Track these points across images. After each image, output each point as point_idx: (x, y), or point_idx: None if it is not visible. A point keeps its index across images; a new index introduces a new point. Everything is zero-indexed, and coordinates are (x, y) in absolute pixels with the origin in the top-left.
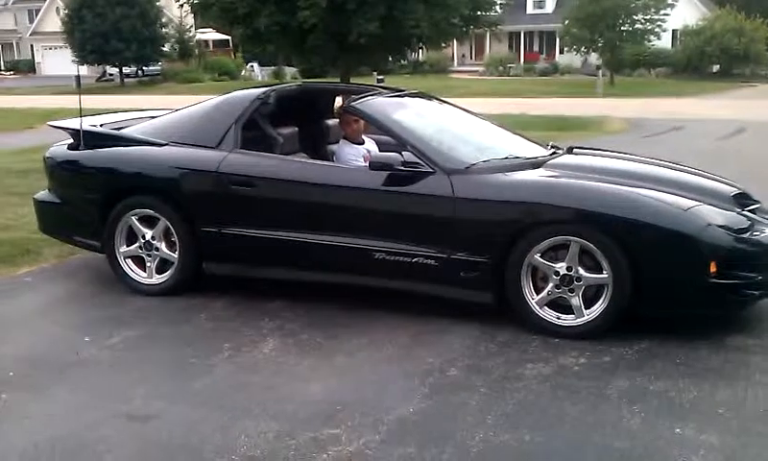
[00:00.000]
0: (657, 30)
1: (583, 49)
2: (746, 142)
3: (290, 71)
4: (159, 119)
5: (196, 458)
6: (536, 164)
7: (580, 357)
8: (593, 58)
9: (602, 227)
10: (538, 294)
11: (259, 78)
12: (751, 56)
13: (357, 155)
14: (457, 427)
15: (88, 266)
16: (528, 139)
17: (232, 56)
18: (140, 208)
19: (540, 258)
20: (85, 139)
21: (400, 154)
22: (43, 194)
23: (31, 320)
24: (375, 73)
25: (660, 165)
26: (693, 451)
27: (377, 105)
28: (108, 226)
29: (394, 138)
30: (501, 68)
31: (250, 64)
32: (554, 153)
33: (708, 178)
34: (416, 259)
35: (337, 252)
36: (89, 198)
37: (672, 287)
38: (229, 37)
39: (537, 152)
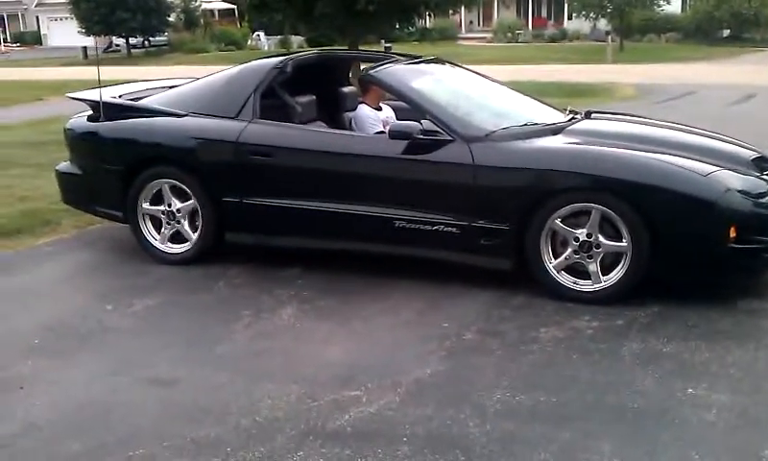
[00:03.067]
0: None
1: (592, 14)
2: (756, 107)
3: (296, 40)
4: (178, 89)
5: (220, 421)
6: (555, 130)
7: (593, 321)
8: (602, 23)
9: (621, 193)
10: (556, 259)
11: (265, 48)
12: (762, 20)
13: (376, 120)
14: (474, 389)
15: (106, 236)
16: (546, 104)
17: (238, 25)
18: (163, 179)
19: (560, 223)
20: (105, 111)
21: (419, 122)
22: (65, 165)
23: (53, 289)
24: (383, 41)
25: (679, 130)
26: (706, 409)
27: (395, 73)
28: (130, 195)
29: (412, 107)
30: (509, 35)
31: (256, 34)
32: (572, 118)
33: (727, 142)
34: (436, 227)
35: (357, 220)
36: (110, 169)
37: (691, 253)
38: (235, 6)
39: (555, 117)
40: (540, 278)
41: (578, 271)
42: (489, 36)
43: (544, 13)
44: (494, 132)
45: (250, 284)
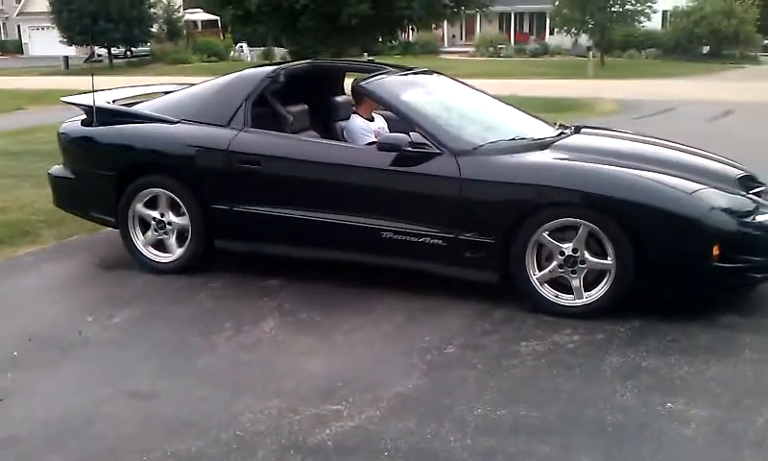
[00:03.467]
0: (647, 11)
1: (573, 30)
2: (734, 123)
3: (279, 52)
4: (171, 96)
5: (201, 434)
6: (543, 145)
7: (573, 335)
8: (584, 39)
9: (607, 210)
10: (540, 271)
11: (248, 59)
12: (741, 37)
13: (368, 130)
14: (455, 403)
15: (88, 247)
16: (537, 118)
17: (221, 36)
18: (155, 188)
19: (548, 237)
20: (99, 115)
21: (408, 134)
22: (58, 169)
23: (33, 300)
24: (366, 54)
25: (665, 146)
26: (685, 424)
27: (386, 84)
28: (121, 201)
29: (401, 119)
30: (491, 49)
31: (239, 45)
32: (562, 133)
33: (714, 159)
34: (422, 239)
35: (345, 230)
36: (103, 174)
37: (675, 269)
38: (218, 18)
39: (545, 132)
40: (523, 289)
41: (561, 285)
42: (471, 50)
43: (526, 28)
44: (482, 146)
45: (232, 296)
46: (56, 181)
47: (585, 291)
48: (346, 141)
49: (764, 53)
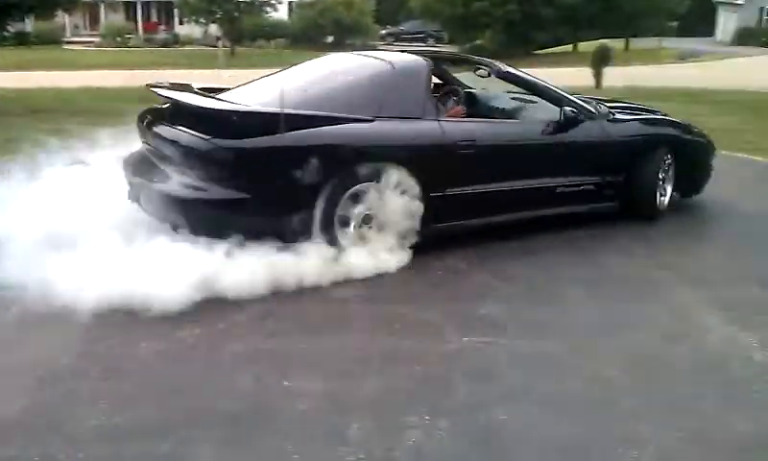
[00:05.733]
0: (273, 2)
1: (202, 20)
2: None
3: None
4: (309, 93)
5: None
6: (627, 111)
7: (195, 328)
8: (213, 29)
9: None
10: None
11: None
12: (361, 28)
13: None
14: (66, 419)
15: None
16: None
17: None
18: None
19: (665, 167)
20: (287, 122)
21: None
22: (214, 191)
23: None
24: None
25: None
26: (299, 400)
27: (513, 70)
28: (328, 208)
29: (549, 98)
30: (119, 39)
31: None
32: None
33: None
34: (581, 187)
35: (533, 192)
36: (305, 183)
37: None
38: None
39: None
40: (647, 211)
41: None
42: (97, 40)
43: (155, 18)
44: (613, 114)
45: None
46: (206, 204)
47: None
48: None
49: (381, 41)
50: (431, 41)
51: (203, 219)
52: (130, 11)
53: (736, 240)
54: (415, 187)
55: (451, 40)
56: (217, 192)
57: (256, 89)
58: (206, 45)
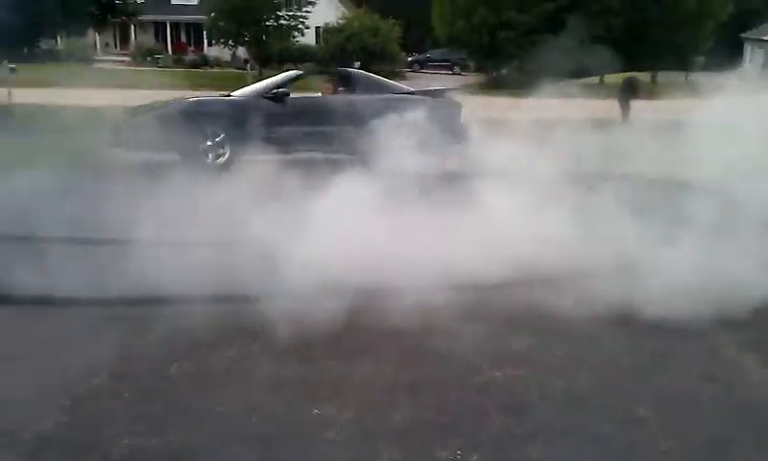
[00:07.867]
0: (300, 26)
1: (230, 42)
2: None
3: None
4: None
5: None
6: None
7: (228, 351)
8: (242, 51)
9: None
10: None
11: None
12: (387, 54)
13: None
14: (102, 437)
15: None
16: None
17: None
18: None
19: None
20: None
21: None
22: None
23: None
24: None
25: None
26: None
27: None
28: None
29: None
30: (149, 58)
31: None
32: None
33: None
34: None
35: None
36: None
37: None
38: None
39: None
40: None
41: None
42: (127, 59)
43: (184, 39)
44: None
45: None
46: None
47: None
48: None
49: (407, 69)
50: (457, 69)
51: None
52: (159, 31)
53: None
54: None
55: (479, 69)
56: None
57: None
58: (235, 67)
